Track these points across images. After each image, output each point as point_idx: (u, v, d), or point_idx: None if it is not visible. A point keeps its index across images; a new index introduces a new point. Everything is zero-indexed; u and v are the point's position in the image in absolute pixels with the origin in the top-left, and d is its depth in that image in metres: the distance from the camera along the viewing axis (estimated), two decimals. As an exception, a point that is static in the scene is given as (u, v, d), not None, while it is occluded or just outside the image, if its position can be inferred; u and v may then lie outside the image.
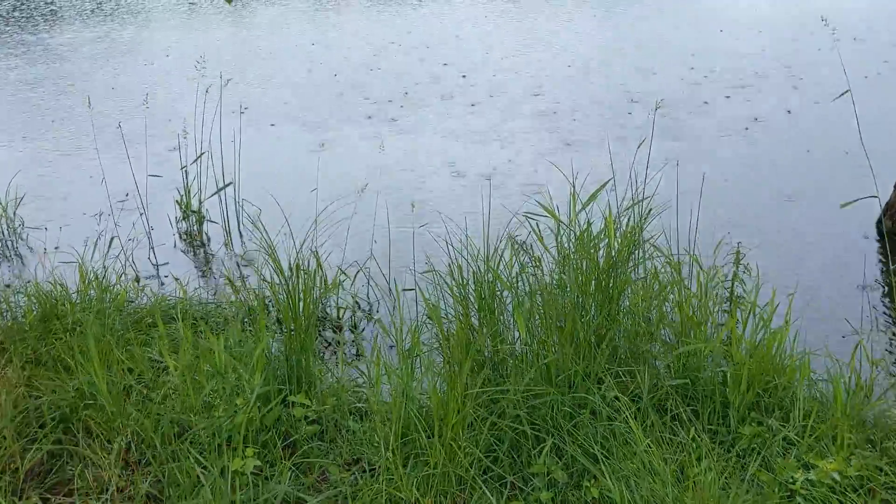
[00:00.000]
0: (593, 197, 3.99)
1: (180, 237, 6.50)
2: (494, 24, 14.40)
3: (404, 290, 4.34)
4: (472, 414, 3.32)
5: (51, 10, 17.77)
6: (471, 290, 4.12)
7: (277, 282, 4.33)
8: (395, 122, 9.06)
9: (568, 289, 3.91)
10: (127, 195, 6.58)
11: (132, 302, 5.18)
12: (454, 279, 4.04)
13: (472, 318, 4.02)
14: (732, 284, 4.65)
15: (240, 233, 6.51)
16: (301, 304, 4.30)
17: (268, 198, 6.85)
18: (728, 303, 4.56)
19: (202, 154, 6.36)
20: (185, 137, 6.57)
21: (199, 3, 18.03)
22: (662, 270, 4.28)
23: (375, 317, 5.22)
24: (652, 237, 4.20)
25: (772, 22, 13.93)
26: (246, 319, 4.99)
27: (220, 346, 3.72)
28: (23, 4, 18.84)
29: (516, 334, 3.91)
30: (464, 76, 10.77)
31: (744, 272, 4.71)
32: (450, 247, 4.30)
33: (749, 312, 3.90)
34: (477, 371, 3.52)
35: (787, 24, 13.45)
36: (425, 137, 8.53)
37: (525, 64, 11.42)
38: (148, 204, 6.34)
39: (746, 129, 8.41)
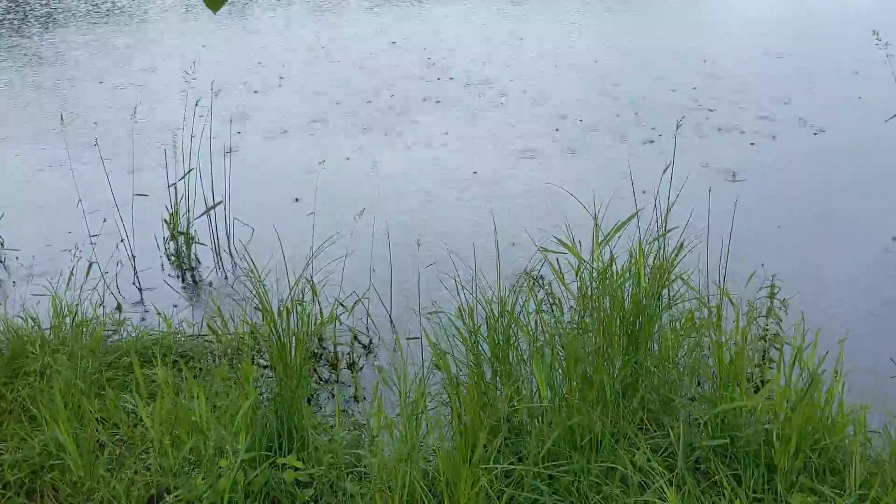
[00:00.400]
0: (617, 230, 3.58)
1: (168, 259, 6.08)
2: (495, 28, 13.97)
3: (408, 338, 3.94)
4: (486, 486, 2.90)
5: (46, 12, 17.35)
6: (481, 324, 3.71)
7: (268, 318, 3.91)
8: (396, 134, 8.58)
9: (591, 333, 3.50)
10: (105, 220, 6.03)
11: (110, 336, 4.77)
12: (464, 321, 3.62)
13: (484, 364, 3.61)
14: (767, 320, 4.23)
15: (230, 254, 6.09)
16: (293, 348, 3.89)
17: (261, 216, 6.45)
18: (765, 344, 4.15)
19: (190, 171, 5.94)
20: (174, 151, 6.13)
21: (195, 5, 17.61)
22: (694, 308, 3.87)
23: (375, 352, 4.82)
24: (684, 272, 3.78)
25: (779, 26, 13.51)
26: (234, 358, 4.59)
27: (202, 403, 3.30)
28: (18, 7, 18.43)
29: (534, 384, 3.51)
30: (467, 84, 10.29)
31: (780, 308, 4.30)
32: (461, 288, 3.88)
33: (794, 360, 3.48)
34: (491, 436, 3.10)
35: (791, 30, 13.02)
36: (428, 151, 8.08)
37: (528, 69, 10.96)
38: (133, 225, 5.91)
39: (774, 138, 7.90)
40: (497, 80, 10.42)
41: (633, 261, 3.59)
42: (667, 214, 3.94)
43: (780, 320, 4.27)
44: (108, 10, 17.32)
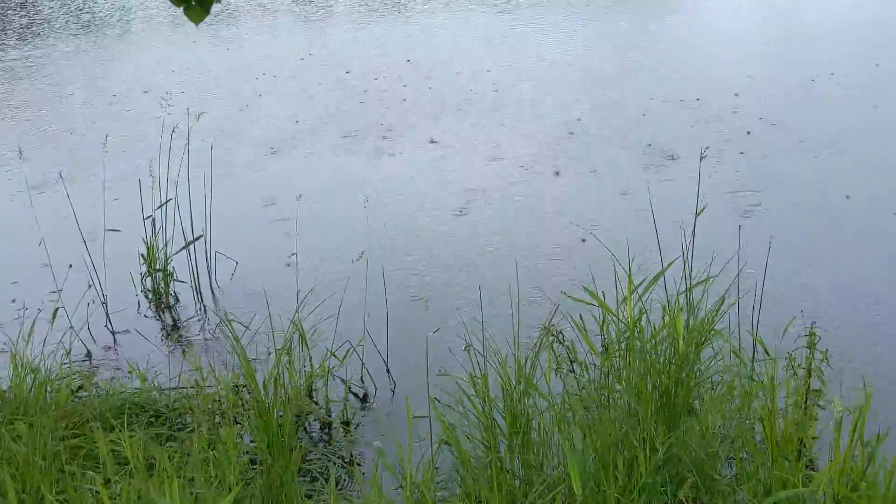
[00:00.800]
0: (653, 282, 3.15)
1: (146, 296, 5.61)
2: (491, 37, 13.54)
3: (415, 416, 3.50)
4: None
5: (26, 24, 16.82)
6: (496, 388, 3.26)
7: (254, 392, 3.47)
8: (390, 154, 8.03)
9: (622, 404, 3.06)
10: (70, 266, 5.48)
11: (78, 392, 4.30)
12: (476, 388, 3.18)
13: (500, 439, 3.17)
14: (808, 378, 3.81)
15: (212, 292, 5.63)
16: (280, 415, 3.45)
17: (245, 251, 6.00)
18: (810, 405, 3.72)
19: (168, 201, 5.48)
20: (150, 179, 5.64)
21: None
22: (733, 366, 3.45)
23: (371, 407, 4.37)
24: (724, 329, 3.35)
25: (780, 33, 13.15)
26: (216, 416, 4.13)
27: (175, 492, 2.84)
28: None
29: (559, 452, 3.08)
30: (469, 94, 9.79)
31: (821, 360, 3.87)
32: (471, 346, 3.44)
33: (855, 429, 3.05)
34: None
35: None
36: (427, 176, 7.47)
37: (525, 79, 10.49)
38: (105, 262, 5.42)
39: (816, 156, 7.37)
40: (501, 91, 9.95)
41: (667, 317, 3.16)
42: (689, 255, 3.53)
43: (822, 373, 3.85)
44: (88, 21, 16.80)
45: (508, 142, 8.16)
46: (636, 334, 3.17)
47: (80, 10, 18.29)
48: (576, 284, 5.25)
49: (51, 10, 18.11)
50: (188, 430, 3.96)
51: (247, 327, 4.77)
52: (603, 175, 7.19)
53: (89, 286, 5.30)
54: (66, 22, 16.74)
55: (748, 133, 7.94)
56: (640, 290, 3.36)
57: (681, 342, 3.01)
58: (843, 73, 9.64)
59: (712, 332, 3.24)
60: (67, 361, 4.48)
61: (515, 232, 6.23)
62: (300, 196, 6.77)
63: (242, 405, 4.17)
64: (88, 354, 4.94)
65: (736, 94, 9.06)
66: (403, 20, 15.05)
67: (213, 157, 6.42)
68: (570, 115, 8.78)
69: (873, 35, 11.57)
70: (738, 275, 4.16)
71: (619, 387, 3.08)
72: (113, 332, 5.21)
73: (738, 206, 6.34)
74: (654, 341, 3.07)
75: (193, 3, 2.87)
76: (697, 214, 3.81)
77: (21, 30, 16.24)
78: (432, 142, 8.27)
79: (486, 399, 3.06)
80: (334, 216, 6.64)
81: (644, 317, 3.32)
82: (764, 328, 4.21)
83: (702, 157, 3.96)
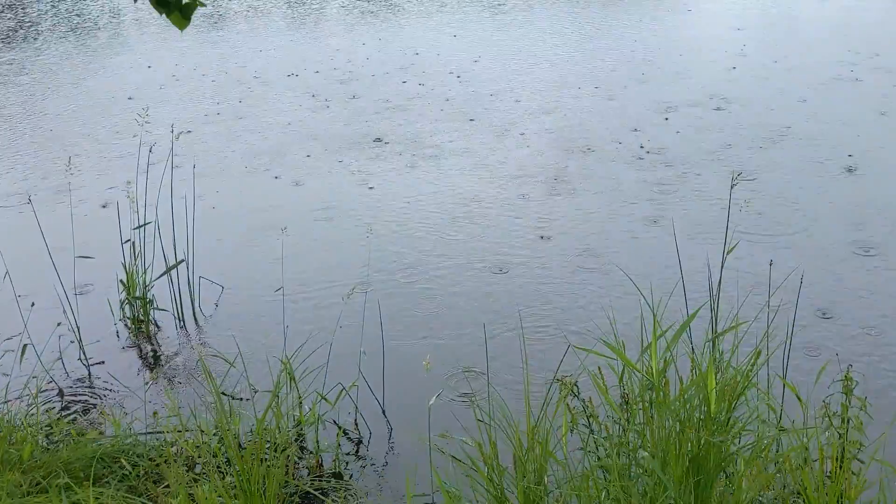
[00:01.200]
0: (680, 331, 2.81)
1: (126, 325, 5.26)
2: (486, 41, 13.19)
3: (415, 495, 3.16)
4: None
5: (13, 26, 16.43)
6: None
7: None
8: (381, 175, 7.45)
9: (647, 467, 2.72)
10: (32, 305, 4.86)
11: (46, 440, 3.95)
12: (484, 458, 2.83)
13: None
14: (846, 427, 3.47)
15: (195, 320, 5.28)
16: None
17: (230, 277, 5.65)
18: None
19: (146, 223, 5.13)
20: (129, 200, 5.28)
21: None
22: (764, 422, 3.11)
23: (366, 454, 4.02)
24: (757, 384, 3.01)
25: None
26: (196, 466, 3.79)
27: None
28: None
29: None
30: (471, 114, 9.34)
31: (859, 408, 3.53)
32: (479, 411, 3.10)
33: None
34: None
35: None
36: (419, 201, 6.86)
37: (523, 85, 10.14)
38: (76, 291, 5.05)
39: (851, 171, 7.02)
40: (505, 107, 9.61)
41: (696, 373, 2.82)
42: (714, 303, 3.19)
43: (861, 423, 3.51)
44: (77, 24, 16.42)
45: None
46: (660, 386, 2.83)
47: (70, 12, 17.90)
48: (586, 312, 4.93)
49: (38, 13, 17.72)
50: (164, 484, 3.61)
51: (231, 364, 4.44)
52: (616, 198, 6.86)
53: (58, 324, 4.92)
54: (55, 24, 16.36)
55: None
56: (658, 332, 3.03)
57: (713, 404, 2.67)
58: None
59: (747, 384, 2.90)
60: (34, 405, 4.11)
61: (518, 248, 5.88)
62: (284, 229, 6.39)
63: (224, 453, 3.83)
64: (60, 393, 4.59)
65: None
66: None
67: (197, 174, 6.07)
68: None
69: None
70: (770, 325, 3.81)
71: (644, 452, 2.74)
72: (88, 366, 4.85)
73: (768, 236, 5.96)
74: (682, 398, 2.73)
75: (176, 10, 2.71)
76: (729, 252, 3.46)
77: (9, 32, 15.85)
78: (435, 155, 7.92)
79: (495, 468, 2.71)
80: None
81: (673, 365, 2.98)
82: (795, 370, 3.88)
83: (732, 185, 3.59)
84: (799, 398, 3.49)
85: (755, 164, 7.18)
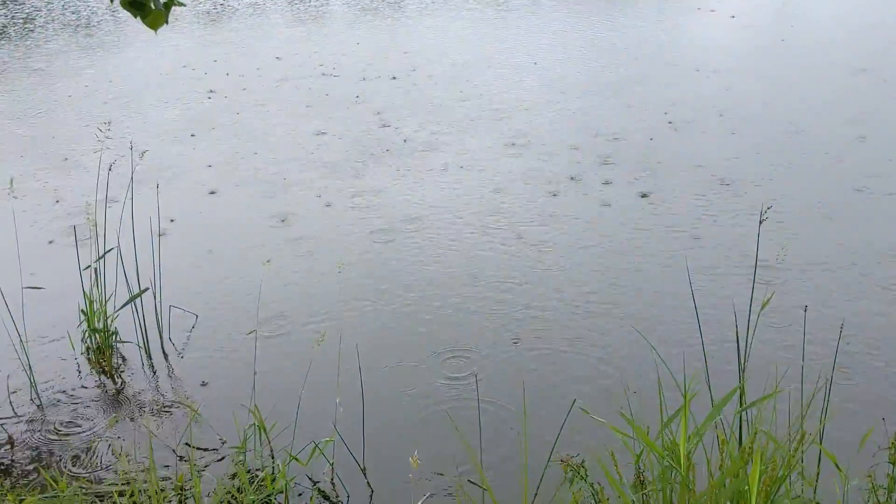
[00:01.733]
0: (714, 414, 2.31)
1: (88, 359, 4.77)
2: (485, 42, 12.67)
3: None
4: None
5: (5, 24, 15.93)
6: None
7: None
8: (367, 204, 6.68)
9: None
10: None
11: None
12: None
13: None
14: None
15: (164, 353, 4.79)
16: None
17: (203, 307, 5.15)
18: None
19: (108, 251, 4.64)
20: (87, 225, 4.79)
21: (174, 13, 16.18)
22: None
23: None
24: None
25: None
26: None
27: None
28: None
29: None
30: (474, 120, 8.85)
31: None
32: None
33: None
34: None
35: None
36: (413, 243, 5.96)
37: (526, 96, 9.65)
38: (25, 325, 4.53)
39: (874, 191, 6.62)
40: (509, 119, 9.10)
41: (726, 458, 2.32)
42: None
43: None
44: (72, 21, 15.94)
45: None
46: (687, 477, 2.33)
47: (66, 8, 17.43)
48: (585, 358, 4.45)
49: (32, 9, 17.26)
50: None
51: (196, 412, 3.99)
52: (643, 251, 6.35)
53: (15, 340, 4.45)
54: (50, 20, 15.89)
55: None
56: (677, 414, 2.52)
57: (753, 500, 2.18)
58: None
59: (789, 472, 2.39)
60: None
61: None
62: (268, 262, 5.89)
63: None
64: (10, 441, 4.10)
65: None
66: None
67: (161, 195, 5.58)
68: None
69: None
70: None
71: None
72: (41, 406, 4.36)
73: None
74: (714, 495, 2.23)
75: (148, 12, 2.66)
76: (764, 306, 2.93)
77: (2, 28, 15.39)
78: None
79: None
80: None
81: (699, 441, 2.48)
82: (835, 438, 3.36)
83: (761, 220, 3.07)
84: (839, 467, 2.99)
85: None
